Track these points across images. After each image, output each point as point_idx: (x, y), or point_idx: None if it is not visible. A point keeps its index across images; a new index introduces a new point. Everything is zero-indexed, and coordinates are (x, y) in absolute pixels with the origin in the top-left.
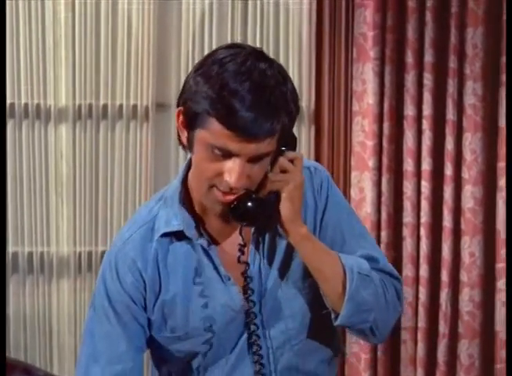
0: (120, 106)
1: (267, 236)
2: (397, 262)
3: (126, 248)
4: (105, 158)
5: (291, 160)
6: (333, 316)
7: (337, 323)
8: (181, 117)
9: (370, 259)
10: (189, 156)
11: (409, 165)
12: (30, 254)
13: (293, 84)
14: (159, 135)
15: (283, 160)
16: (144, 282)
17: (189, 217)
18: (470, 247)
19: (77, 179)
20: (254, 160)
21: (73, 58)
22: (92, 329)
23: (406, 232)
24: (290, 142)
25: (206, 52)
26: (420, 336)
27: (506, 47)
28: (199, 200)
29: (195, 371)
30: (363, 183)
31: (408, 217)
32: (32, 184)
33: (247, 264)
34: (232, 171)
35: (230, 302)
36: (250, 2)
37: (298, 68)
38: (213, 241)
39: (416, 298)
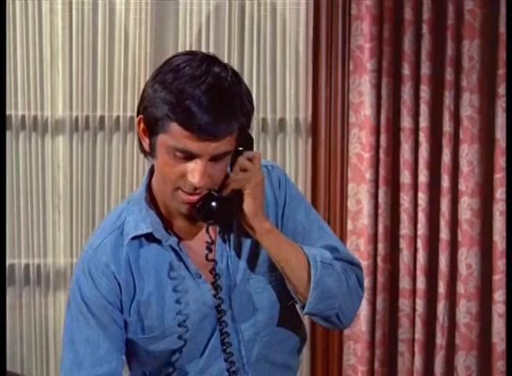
0: (117, 117)
1: (232, 234)
2: (394, 274)
3: (98, 254)
4: (102, 170)
5: (250, 159)
6: (300, 305)
7: (305, 311)
8: (141, 125)
9: (331, 249)
10: (149, 164)
11: (405, 177)
12: (27, 266)
13: (246, 86)
14: None
15: (242, 160)
16: (119, 284)
17: (157, 219)
18: (467, 258)
19: (73, 191)
20: (214, 159)
21: (70, 69)
22: (72, 336)
23: (403, 244)
24: (248, 142)
25: None
26: (417, 348)
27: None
28: (164, 204)
29: (170, 369)
30: (360, 195)
31: (405, 229)
32: (29, 195)
33: (215, 261)
34: (194, 172)
35: (202, 299)
36: (246, 15)
37: (295, 80)
38: (181, 241)
39: (414, 309)
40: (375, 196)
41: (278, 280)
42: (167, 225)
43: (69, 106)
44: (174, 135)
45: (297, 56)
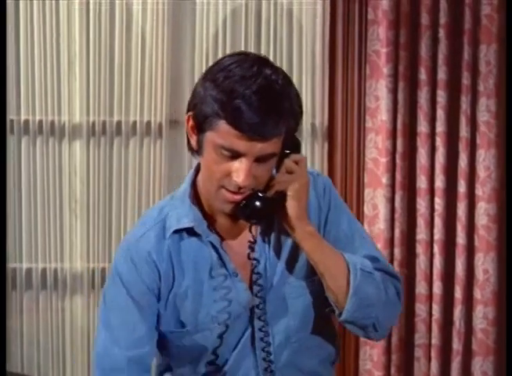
0: (134, 122)
1: (273, 235)
2: (410, 279)
3: (141, 243)
4: (118, 175)
5: (296, 162)
6: (337, 312)
7: (341, 318)
8: (190, 122)
9: (372, 259)
10: (195, 162)
11: (422, 182)
12: (44, 270)
13: (296, 90)
14: (172, 152)
15: (288, 162)
16: (159, 274)
17: (199, 215)
18: (484, 264)
19: (90, 196)
20: (260, 160)
21: (87, 75)
22: (108, 318)
23: (420, 249)
24: (295, 146)
25: None
26: (433, 353)
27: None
28: (208, 201)
29: (198, 367)
30: (376, 200)
31: (421, 234)
32: (46, 200)
33: (258, 260)
34: (239, 171)
35: (237, 297)
36: (263, 20)
37: (312, 85)
38: (222, 239)
39: (430, 315)
40: (391, 201)
41: (315, 286)
42: (209, 223)
43: (86, 111)
44: (221, 133)
45: (314, 60)
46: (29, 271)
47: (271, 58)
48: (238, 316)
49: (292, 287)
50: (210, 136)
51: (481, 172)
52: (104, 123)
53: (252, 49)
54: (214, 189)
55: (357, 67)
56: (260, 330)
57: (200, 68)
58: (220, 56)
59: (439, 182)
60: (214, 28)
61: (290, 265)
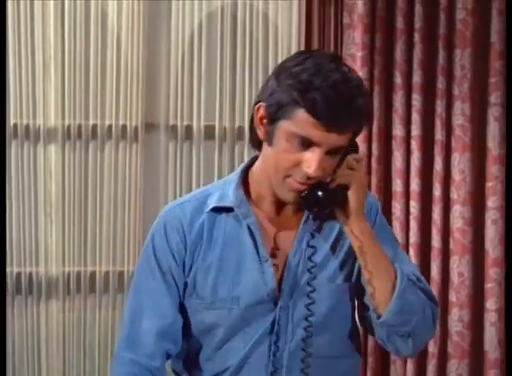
0: (110, 126)
1: (312, 235)
2: None
3: (176, 211)
4: (94, 179)
5: (357, 160)
6: (375, 316)
7: (382, 319)
8: (261, 112)
9: (415, 277)
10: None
11: (397, 185)
12: (19, 274)
13: (368, 91)
14: (148, 155)
15: (350, 158)
16: (186, 242)
17: (244, 198)
18: (459, 267)
19: (66, 199)
20: (331, 152)
21: (62, 78)
22: (138, 287)
23: None
24: (354, 146)
25: (195, 72)
26: None
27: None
28: (257, 190)
29: (209, 349)
30: None
31: (397, 237)
32: (21, 204)
33: (314, 247)
34: (311, 161)
35: (261, 282)
36: (239, 23)
37: None
38: (261, 225)
39: None
40: None
41: (345, 290)
42: (252, 207)
43: (61, 115)
44: (298, 121)
45: None
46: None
47: (247, 61)
48: (258, 301)
49: (323, 289)
50: (283, 125)
51: (456, 176)
52: (79, 126)
53: (228, 52)
54: (279, 178)
55: None
56: (273, 327)
57: (175, 72)
58: (196, 59)
59: (414, 185)
60: (189, 31)
61: (325, 267)
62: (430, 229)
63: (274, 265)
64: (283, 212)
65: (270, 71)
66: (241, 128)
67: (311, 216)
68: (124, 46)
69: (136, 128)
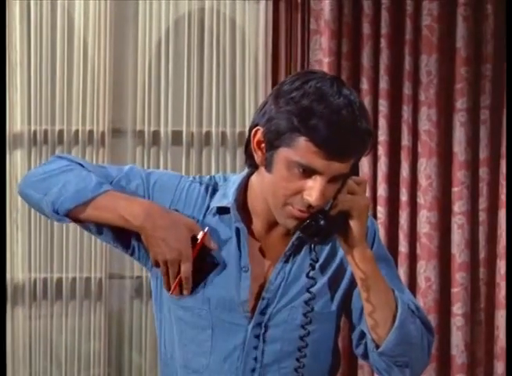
0: (76, 131)
1: (299, 258)
2: None
3: (182, 179)
4: None
5: (358, 184)
6: (372, 345)
7: (380, 349)
8: (258, 137)
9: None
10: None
11: None
12: None
13: (367, 111)
14: (115, 161)
15: (351, 183)
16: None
17: (241, 204)
18: (426, 271)
19: None
20: (333, 180)
21: (28, 83)
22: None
23: None
24: (355, 168)
25: (162, 78)
26: None
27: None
28: (253, 205)
29: (202, 345)
30: None
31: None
32: None
33: (314, 279)
34: (313, 190)
35: (233, 290)
36: (206, 29)
37: (255, 94)
38: (250, 234)
39: None
40: None
41: (332, 319)
42: (245, 219)
43: (27, 120)
44: (300, 149)
45: (257, 69)
46: None
47: (214, 66)
48: (229, 310)
49: (297, 313)
50: (283, 153)
51: (423, 181)
52: (46, 132)
53: (195, 58)
54: (278, 205)
55: None
56: (245, 343)
57: (142, 77)
58: (163, 65)
59: (381, 190)
60: (156, 37)
61: (306, 292)
62: (397, 234)
63: (255, 278)
64: (274, 231)
65: (237, 76)
66: (208, 133)
67: (302, 241)
68: (91, 52)
69: (103, 133)
